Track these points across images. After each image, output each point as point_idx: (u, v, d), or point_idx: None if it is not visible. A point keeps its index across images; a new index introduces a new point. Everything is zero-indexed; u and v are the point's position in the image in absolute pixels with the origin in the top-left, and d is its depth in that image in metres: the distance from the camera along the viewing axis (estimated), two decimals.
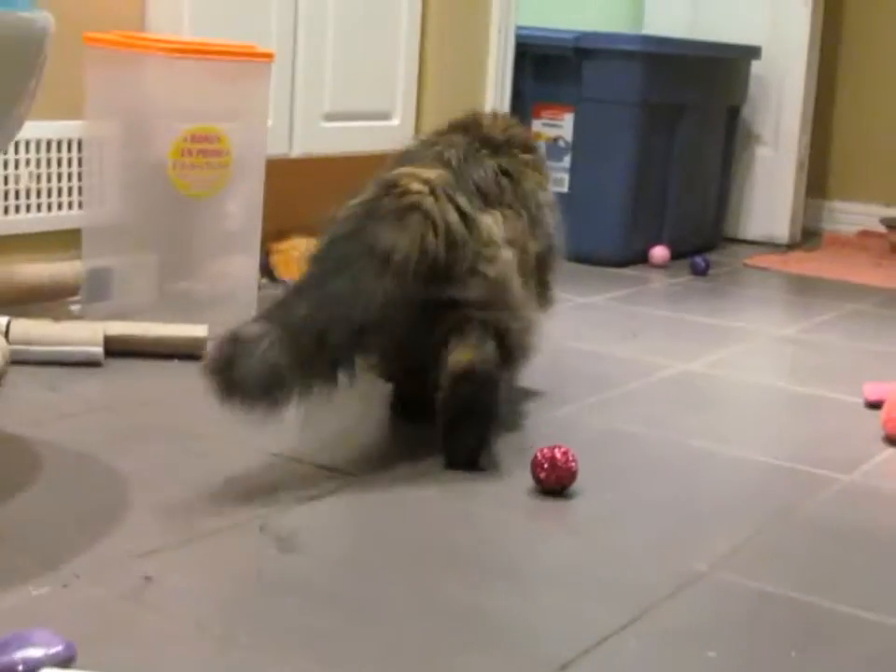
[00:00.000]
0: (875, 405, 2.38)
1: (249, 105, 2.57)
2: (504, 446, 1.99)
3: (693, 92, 3.80)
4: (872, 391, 2.43)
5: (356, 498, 1.75)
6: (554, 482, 1.80)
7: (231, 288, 2.61)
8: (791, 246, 4.26)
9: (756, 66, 4.15)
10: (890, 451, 2.16)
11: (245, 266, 2.65)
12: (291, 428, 1.96)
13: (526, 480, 1.81)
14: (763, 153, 4.26)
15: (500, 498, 1.79)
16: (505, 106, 3.53)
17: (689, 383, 2.49)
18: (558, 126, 3.67)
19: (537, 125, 3.70)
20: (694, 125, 3.82)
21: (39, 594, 1.36)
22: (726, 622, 1.47)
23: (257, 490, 1.75)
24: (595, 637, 1.37)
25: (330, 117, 3.11)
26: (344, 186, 3.20)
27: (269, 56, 2.57)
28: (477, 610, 1.42)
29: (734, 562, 1.63)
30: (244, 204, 2.61)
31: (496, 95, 3.51)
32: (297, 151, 3.03)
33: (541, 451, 1.80)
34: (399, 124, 3.31)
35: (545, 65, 3.64)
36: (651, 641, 1.39)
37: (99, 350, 2.28)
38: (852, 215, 4.57)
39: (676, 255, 3.76)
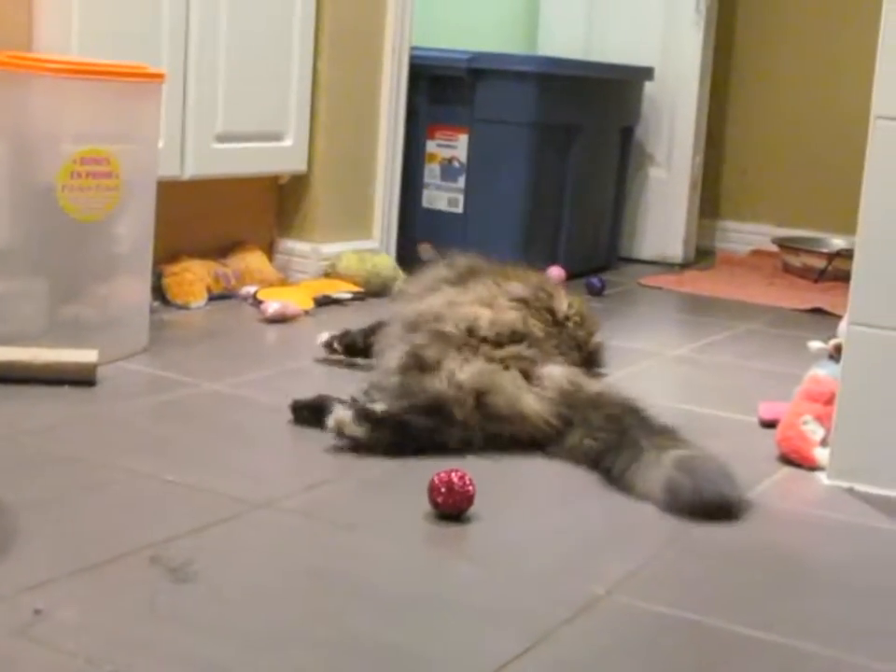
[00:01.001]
0: (769, 424, 2.40)
1: (139, 127, 2.54)
2: (401, 470, 1.97)
3: (586, 113, 3.82)
4: (766, 410, 2.45)
5: (252, 526, 1.72)
6: (452, 506, 1.78)
7: (123, 312, 2.57)
8: (684, 266, 4.30)
9: (649, 87, 4.19)
10: (785, 470, 2.18)
11: (136, 289, 2.61)
12: (185, 454, 1.93)
13: (423, 504, 1.79)
14: (656, 174, 4.30)
15: (398, 524, 1.77)
16: (399, 127, 3.53)
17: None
18: (452, 147, 3.67)
19: (431, 146, 3.71)
20: (588, 146, 3.84)
21: None
22: (624, 647, 1.46)
23: (150, 518, 1.71)
24: (491, 666, 1.36)
25: (223, 138, 3.09)
26: (237, 208, 3.21)
27: (160, 77, 2.54)
28: (375, 641, 1.40)
29: (630, 585, 1.62)
30: (134, 227, 2.57)
31: (390, 116, 3.50)
32: (189, 173, 3.00)
33: (438, 475, 1.79)
34: (292, 145, 3.29)
35: (439, 86, 3.63)
36: (547, 670, 1.37)
37: None
38: (744, 234, 4.63)
39: (571, 275, 3.77)
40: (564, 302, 2.37)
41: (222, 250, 3.25)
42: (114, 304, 2.56)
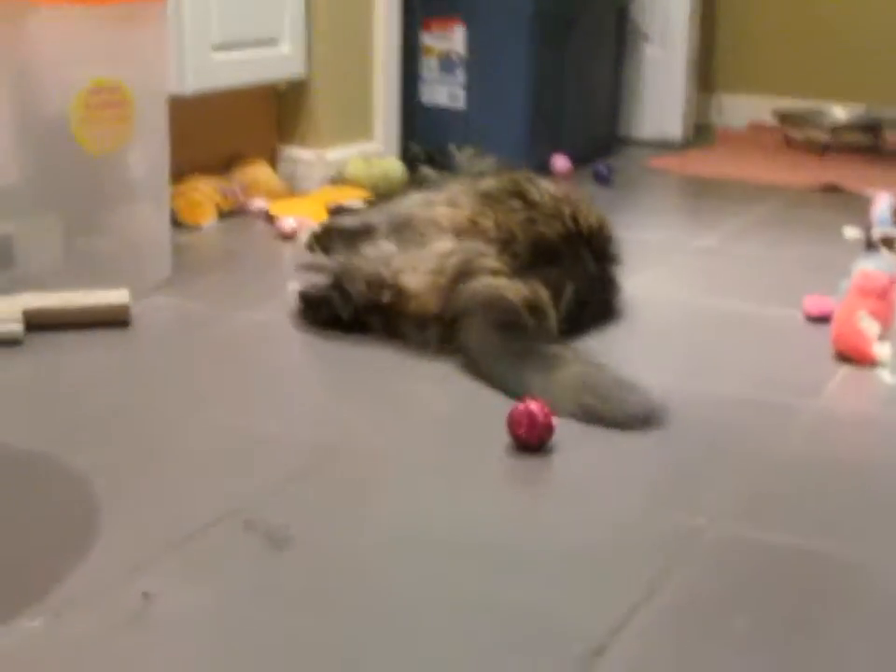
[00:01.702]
0: (818, 319, 2.35)
1: (147, 51, 2.43)
2: (467, 404, 1.92)
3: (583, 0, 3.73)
4: (813, 305, 2.41)
5: (336, 479, 1.67)
6: (535, 438, 1.74)
7: (143, 243, 2.49)
8: (685, 145, 4.22)
9: None
10: (844, 369, 2.14)
11: (155, 217, 2.53)
12: (242, 399, 1.87)
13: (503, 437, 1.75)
14: (652, 52, 4.20)
15: (482, 464, 1.72)
16: (394, 21, 3.42)
17: (623, 307, 2.41)
18: (448, 39, 3.57)
19: (427, 39, 3.60)
20: (585, 32, 3.75)
21: (33, 626, 1.27)
22: (742, 582, 1.43)
23: (231, 475, 1.66)
24: (617, 619, 1.32)
25: (220, 47, 2.98)
26: (237, 120, 3.10)
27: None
28: (494, 600, 1.36)
29: (731, 512, 1.59)
30: (149, 154, 2.48)
31: (385, 12, 3.38)
32: (191, 88, 2.90)
33: (517, 408, 1.75)
34: (290, 50, 3.19)
35: None
36: (672, 614, 1.34)
37: (19, 327, 2.15)
38: (741, 107, 4.55)
39: (575, 161, 3.70)
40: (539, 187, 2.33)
41: (226, 165, 3.15)
42: (133, 235, 2.48)
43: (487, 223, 2.22)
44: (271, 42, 3.13)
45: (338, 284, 2.18)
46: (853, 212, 3.13)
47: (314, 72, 3.25)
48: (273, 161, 3.29)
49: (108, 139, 2.35)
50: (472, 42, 3.54)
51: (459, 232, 2.18)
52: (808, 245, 2.95)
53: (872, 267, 2.28)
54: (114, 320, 2.25)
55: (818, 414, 1.94)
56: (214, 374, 2.06)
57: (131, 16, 2.37)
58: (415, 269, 2.12)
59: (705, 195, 3.57)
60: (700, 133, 4.37)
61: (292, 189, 3.22)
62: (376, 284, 2.12)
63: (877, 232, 2.41)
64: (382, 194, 3.22)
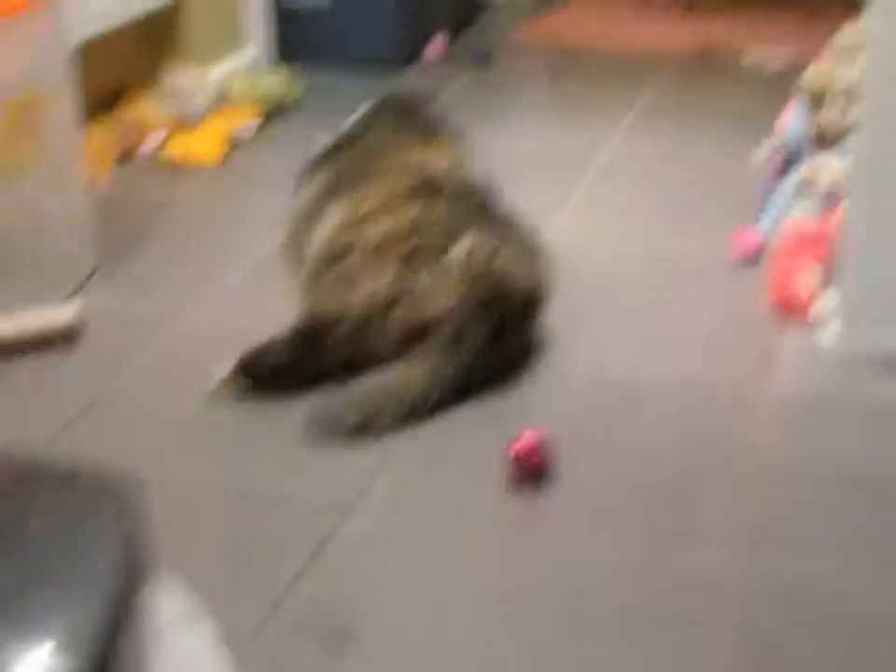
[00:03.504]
0: (748, 259, 2.42)
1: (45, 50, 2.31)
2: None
3: None
4: (742, 244, 2.46)
5: (359, 549, 1.71)
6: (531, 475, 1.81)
7: (57, 230, 2.37)
8: (542, 3, 4.18)
9: None
10: (789, 335, 2.22)
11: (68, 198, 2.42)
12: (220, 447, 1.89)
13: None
14: None
15: None
16: None
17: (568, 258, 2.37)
18: None
19: None
20: None
21: None
22: None
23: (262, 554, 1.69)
24: None
25: None
26: (117, 56, 2.96)
27: None
28: None
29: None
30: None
31: None
32: (72, 42, 2.77)
33: (514, 445, 1.81)
34: None
35: None
36: None
37: None
38: None
39: (450, 40, 3.72)
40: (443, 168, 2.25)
41: (110, 103, 3.05)
42: (45, 226, 2.34)
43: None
44: None
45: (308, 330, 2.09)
46: (738, 91, 3.22)
47: None
48: (153, 87, 3.19)
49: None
50: None
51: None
52: (703, 144, 3.02)
53: (800, 214, 2.34)
54: (62, 341, 2.20)
55: (777, 404, 2.03)
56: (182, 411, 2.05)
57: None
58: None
59: (583, 75, 3.57)
60: None
61: (184, 119, 3.12)
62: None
63: (802, 175, 2.46)
64: (270, 111, 3.19)
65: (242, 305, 2.36)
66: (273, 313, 2.24)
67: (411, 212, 2.16)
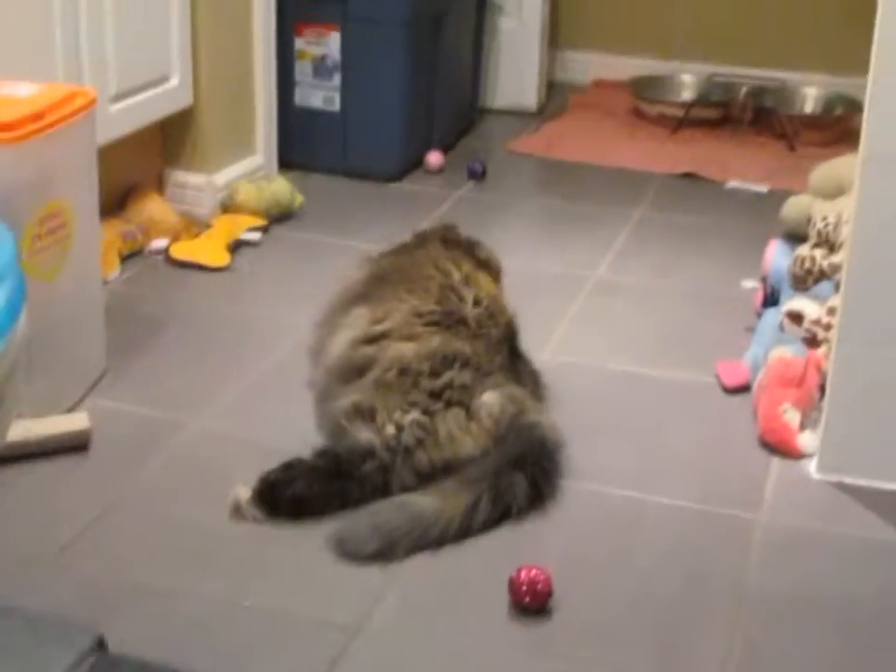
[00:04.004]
0: (734, 389, 2.53)
1: (79, 159, 2.41)
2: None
3: None
4: (728, 375, 2.58)
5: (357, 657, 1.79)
6: (535, 603, 1.89)
7: (73, 329, 2.44)
8: (540, 111, 4.35)
9: None
10: (776, 463, 2.33)
11: (86, 294, 2.51)
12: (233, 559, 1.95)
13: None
14: (507, 25, 4.28)
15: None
16: (271, 29, 3.42)
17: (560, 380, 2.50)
18: (323, 45, 3.59)
19: (300, 43, 3.62)
20: (455, 25, 3.81)
21: None
22: None
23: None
24: None
25: (117, 98, 2.96)
26: (124, 151, 3.06)
27: (91, 100, 2.40)
28: None
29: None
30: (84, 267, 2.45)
31: (262, 22, 3.38)
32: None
33: (519, 571, 1.88)
34: (179, 82, 3.17)
35: None
36: None
37: None
38: (582, 64, 4.67)
39: (443, 145, 3.84)
40: (470, 301, 2.35)
41: (118, 199, 3.15)
42: (62, 326, 2.42)
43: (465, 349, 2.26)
44: (162, 80, 3.11)
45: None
46: (723, 213, 3.35)
47: (199, 98, 3.24)
48: (161, 188, 3.29)
49: (49, 264, 2.32)
50: (349, 46, 3.57)
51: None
52: (694, 270, 3.13)
53: (790, 353, 2.45)
54: (74, 446, 2.27)
55: (768, 533, 2.13)
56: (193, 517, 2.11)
57: (68, 132, 2.33)
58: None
59: (575, 192, 3.68)
60: (552, 93, 4.48)
61: (190, 223, 3.22)
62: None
63: (787, 309, 2.58)
64: (273, 217, 3.29)
65: (250, 413, 2.42)
66: (283, 423, 2.35)
67: (432, 341, 2.25)
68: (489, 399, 2.21)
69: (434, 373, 2.20)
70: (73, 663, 0.88)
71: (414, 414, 2.15)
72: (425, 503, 2.02)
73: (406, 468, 2.12)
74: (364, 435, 2.13)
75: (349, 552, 1.98)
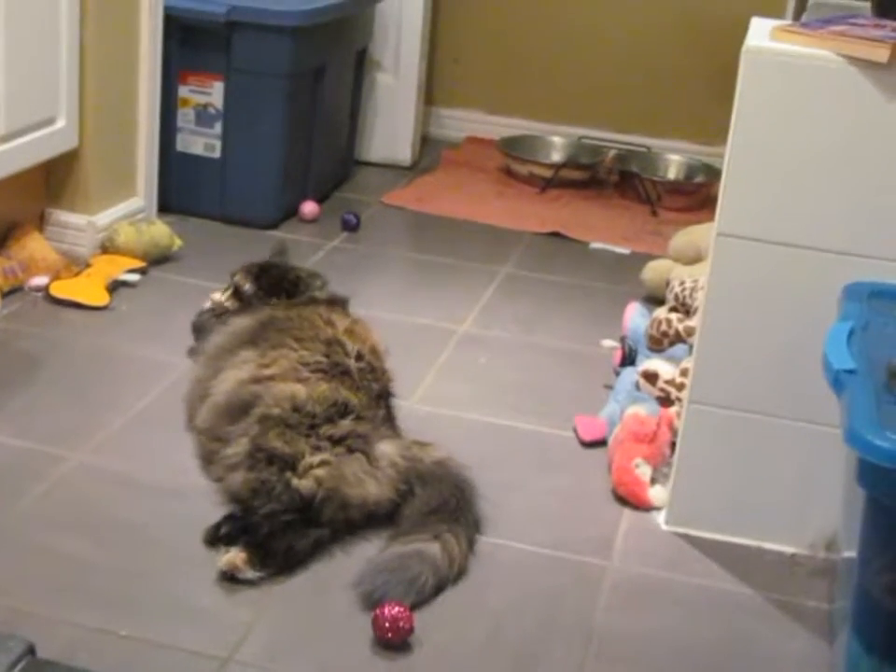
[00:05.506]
0: (591, 443, 2.68)
1: None
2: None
3: (332, 52, 3.91)
4: (586, 430, 2.73)
5: None
6: (397, 639, 2.00)
7: None
8: (414, 165, 4.49)
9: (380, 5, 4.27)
10: (627, 514, 2.48)
11: None
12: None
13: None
14: (384, 80, 4.41)
15: None
16: (156, 75, 3.50)
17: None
18: (207, 94, 3.68)
19: (183, 91, 3.70)
20: (332, 79, 3.93)
21: None
22: None
23: None
24: None
25: (4, 138, 3.03)
26: (8, 193, 3.12)
27: None
28: None
29: None
30: None
31: (148, 69, 3.46)
32: None
33: (383, 608, 2.00)
34: (65, 125, 3.24)
35: (192, 34, 3.61)
36: None
37: None
38: (457, 121, 4.83)
39: (319, 195, 3.96)
40: (353, 352, 2.46)
41: None
42: None
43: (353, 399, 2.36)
44: (49, 121, 3.18)
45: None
46: (586, 273, 3.51)
47: (84, 140, 3.31)
48: (43, 226, 3.35)
49: None
50: (231, 96, 3.67)
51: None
52: (558, 324, 3.29)
53: (644, 412, 2.61)
54: None
55: (617, 580, 2.27)
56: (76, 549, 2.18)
57: None
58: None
59: (445, 247, 3.80)
60: (426, 148, 4.63)
61: (68, 262, 3.28)
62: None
63: (644, 368, 2.74)
64: (151, 259, 3.37)
65: (128, 448, 2.51)
66: (159, 458, 2.47)
67: (321, 385, 2.34)
68: (388, 449, 2.32)
69: (330, 420, 2.29)
70: (9, 663, 1.00)
71: (325, 456, 2.24)
72: (435, 551, 2.14)
73: (331, 507, 2.21)
74: (295, 481, 2.20)
75: (373, 601, 2.06)
